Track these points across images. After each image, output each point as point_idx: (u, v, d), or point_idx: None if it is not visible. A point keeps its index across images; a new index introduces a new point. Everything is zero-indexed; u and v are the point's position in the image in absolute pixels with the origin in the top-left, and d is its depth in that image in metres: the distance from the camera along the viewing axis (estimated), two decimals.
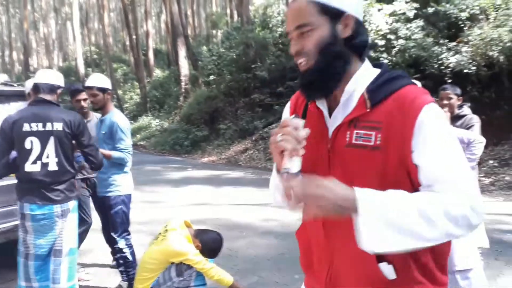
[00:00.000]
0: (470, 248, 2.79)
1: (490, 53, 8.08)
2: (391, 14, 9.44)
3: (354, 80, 1.05)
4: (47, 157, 2.62)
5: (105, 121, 3.30)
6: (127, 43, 35.25)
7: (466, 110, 3.28)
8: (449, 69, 8.67)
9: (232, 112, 16.44)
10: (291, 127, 0.96)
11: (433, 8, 9.44)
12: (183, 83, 21.04)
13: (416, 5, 9.44)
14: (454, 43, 9.03)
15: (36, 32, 53.48)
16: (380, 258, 1.01)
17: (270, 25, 16.98)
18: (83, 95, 3.69)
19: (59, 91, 2.79)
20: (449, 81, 8.20)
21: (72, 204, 2.75)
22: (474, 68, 8.37)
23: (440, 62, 8.84)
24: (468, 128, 3.15)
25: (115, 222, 3.29)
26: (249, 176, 10.48)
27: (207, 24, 36.21)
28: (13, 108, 3.66)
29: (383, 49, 9.40)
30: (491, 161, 7.84)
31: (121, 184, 3.31)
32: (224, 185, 8.90)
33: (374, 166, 0.98)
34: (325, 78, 1.04)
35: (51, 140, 2.63)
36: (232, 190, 8.09)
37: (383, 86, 1.03)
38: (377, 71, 1.08)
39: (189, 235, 3.08)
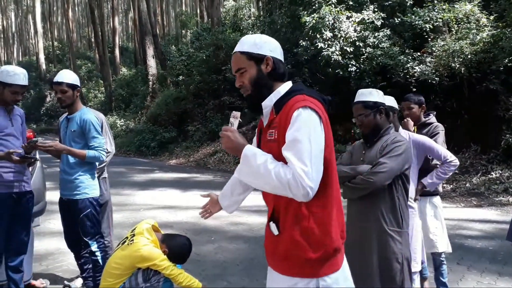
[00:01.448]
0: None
1: (452, 65, 8.42)
2: (360, 22, 9.66)
3: (268, 98, 1.61)
4: None
5: (75, 118, 3.16)
6: (93, 39, 34.25)
7: (432, 118, 3.37)
8: (414, 78, 8.96)
9: (202, 114, 16.29)
10: (232, 114, 1.64)
11: (399, 19, 9.74)
12: (150, 83, 20.66)
13: (383, 14, 9.70)
14: (418, 53, 9.34)
15: None
16: (272, 217, 1.58)
17: (241, 28, 16.99)
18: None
19: None
20: (414, 89, 8.46)
21: None
22: (437, 78, 8.69)
23: (405, 71, 9.11)
24: (432, 136, 3.23)
25: (85, 226, 3.12)
26: (218, 179, 10.39)
27: (176, 23, 35.79)
28: None
29: (352, 56, 9.58)
30: None
31: (88, 186, 3.16)
32: (192, 188, 8.78)
33: (275, 151, 1.52)
34: (257, 100, 1.63)
35: None
36: (200, 194, 7.99)
37: (283, 99, 1.57)
38: (288, 86, 1.62)
39: (157, 239, 2.98)
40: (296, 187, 1.39)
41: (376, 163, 2.30)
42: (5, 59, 50.74)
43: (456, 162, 2.94)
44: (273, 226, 1.57)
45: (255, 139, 1.74)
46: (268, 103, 1.60)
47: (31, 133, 3.70)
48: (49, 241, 4.99)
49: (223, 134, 1.58)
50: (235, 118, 1.63)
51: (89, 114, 3.18)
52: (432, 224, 3.16)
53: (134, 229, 3.02)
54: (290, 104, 1.51)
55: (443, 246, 3.18)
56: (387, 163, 2.25)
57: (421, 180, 2.97)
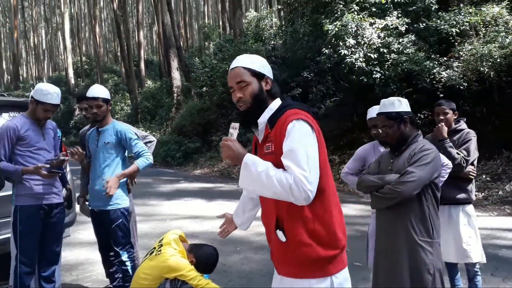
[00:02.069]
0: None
1: (481, 69, 8.18)
2: (383, 29, 9.54)
3: (263, 115, 1.72)
4: None
5: (108, 131, 3.26)
6: (119, 53, 35.19)
7: (463, 125, 3.28)
8: (441, 83, 8.75)
9: (225, 124, 16.39)
10: (231, 125, 1.72)
11: (424, 24, 9.57)
12: (175, 94, 20.99)
13: (407, 20, 9.55)
14: (445, 58, 9.14)
15: (26, 41, 53.12)
16: (277, 227, 1.66)
17: (263, 38, 17.09)
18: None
19: None
20: (441, 95, 8.27)
21: None
22: (465, 83, 8.46)
23: (432, 76, 8.92)
24: (464, 143, 3.15)
25: (117, 236, 3.20)
26: (242, 189, 10.39)
27: (199, 35, 36.36)
28: (4, 118, 3.58)
29: (376, 62, 9.47)
30: (484, 176, 7.88)
31: (119, 196, 3.24)
32: (217, 198, 8.82)
33: (273, 162, 1.61)
34: (255, 115, 1.72)
35: None
36: (225, 203, 8.00)
37: (275, 115, 1.68)
38: (278, 103, 1.74)
39: (184, 250, 3.00)
40: (298, 191, 1.50)
41: (404, 172, 2.25)
42: (36, 74, 52.71)
43: (450, 165, 2.87)
44: (280, 233, 1.65)
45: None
46: (262, 120, 1.72)
47: (63, 148, 3.82)
48: (78, 251, 5.10)
49: (223, 144, 1.67)
50: (235, 129, 1.70)
51: (123, 125, 3.33)
52: (466, 233, 3.05)
53: (162, 239, 3.05)
54: (283, 118, 1.63)
55: (477, 256, 3.06)
56: (415, 172, 2.20)
57: None
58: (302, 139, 1.57)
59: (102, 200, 3.19)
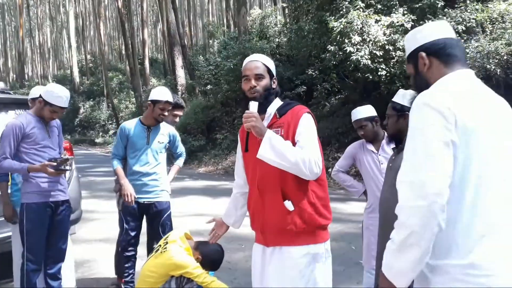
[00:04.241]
0: None
1: (488, 66, 8.12)
2: (389, 26, 9.49)
3: (271, 106, 2.05)
4: None
5: (160, 131, 3.49)
6: (123, 51, 35.30)
7: None
8: None
9: (229, 122, 16.40)
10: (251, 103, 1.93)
11: (430, 21, 9.51)
12: (179, 92, 21.01)
13: (413, 17, 9.50)
14: None
15: (32, 40, 53.37)
16: (284, 198, 1.91)
17: (268, 35, 17.05)
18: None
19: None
20: None
21: None
22: None
23: None
24: None
25: (167, 226, 3.45)
26: None
27: (203, 33, 36.37)
28: (10, 116, 3.60)
29: (381, 59, 9.42)
30: None
31: (167, 187, 3.54)
32: (222, 195, 8.81)
33: None
34: (261, 104, 1.98)
35: None
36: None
37: (284, 107, 2.03)
38: (280, 101, 2.08)
39: (190, 247, 3.00)
40: (313, 167, 1.84)
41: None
42: (42, 73, 52.98)
43: None
44: (288, 203, 1.91)
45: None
46: (270, 110, 2.05)
47: (67, 144, 3.83)
48: (84, 249, 5.11)
49: (248, 115, 1.88)
50: (254, 106, 1.92)
51: (168, 126, 3.61)
52: None
53: (167, 237, 3.05)
54: (295, 110, 1.99)
55: None
56: None
57: None
58: (313, 129, 1.96)
59: (154, 192, 3.44)
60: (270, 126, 1.99)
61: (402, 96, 2.41)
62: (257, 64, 2.03)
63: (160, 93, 3.37)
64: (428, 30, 1.52)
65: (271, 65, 2.08)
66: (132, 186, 3.32)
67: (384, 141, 3.01)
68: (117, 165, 3.41)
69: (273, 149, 1.83)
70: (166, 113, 3.40)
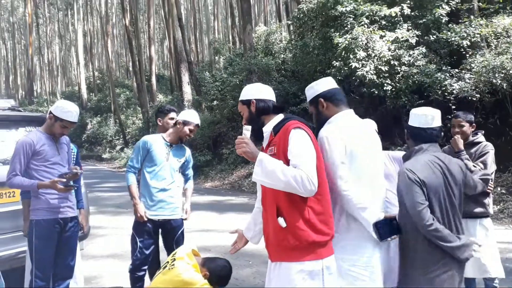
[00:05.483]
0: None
1: (493, 80, 8.10)
2: (394, 41, 9.55)
3: (267, 125, 2.16)
4: None
5: (181, 151, 3.65)
6: (130, 68, 35.69)
7: (481, 137, 3.25)
8: (453, 95, 8.69)
9: (235, 137, 16.33)
10: (244, 127, 2.08)
11: (435, 36, 9.56)
12: (186, 108, 21.14)
13: (418, 32, 9.56)
14: (456, 70, 9.08)
15: (41, 57, 54.24)
16: (278, 214, 1.97)
17: (273, 52, 17.19)
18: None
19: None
20: (453, 107, 8.20)
21: None
22: (478, 95, 8.39)
23: (443, 88, 8.86)
24: (482, 155, 3.11)
25: (181, 242, 3.55)
26: (252, 202, 10.33)
27: (210, 50, 36.75)
28: (21, 133, 3.65)
29: (387, 75, 9.46)
30: (499, 188, 7.74)
31: (180, 205, 3.62)
32: (228, 211, 8.80)
33: None
34: (255, 130, 2.13)
35: None
36: (236, 217, 7.98)
37: (279, 125, 2.09)
38: (281, 117, 2.15)
39: (197, 264, 2.99)
40: (307, 183, 1.86)
41: None
42: (50, 90, 53.63)
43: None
44: (281, 220, 1.96)
45: None
46: (267, 129, 2.15)
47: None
48: (92, 264, 5.10)
49: (240, 141, 1.99)
50: (247, 130, 2.05)
51: (189, 151, 3.78)
52: (484, 247, 2.99)
53: (175, 253, 3.05)
54: (285, 127, 2.04)
55: (497, 271, 3.00)
56: None
57: None
58: (303, 145, 1.97)
59: (171, 209, 3.50)
60: (268, 146, 2.11)
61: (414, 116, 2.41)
62: (239, 104, 2.26)
63: (192, 115, 3.60)
64: (323, 83, 2.32)
65: (242, 96, 2.24)
66: (143, 206, 3.41)
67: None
68: (132, 182, 3.44)
69: (264, 171, 1.92)
70: (192, 135, 3.61)
